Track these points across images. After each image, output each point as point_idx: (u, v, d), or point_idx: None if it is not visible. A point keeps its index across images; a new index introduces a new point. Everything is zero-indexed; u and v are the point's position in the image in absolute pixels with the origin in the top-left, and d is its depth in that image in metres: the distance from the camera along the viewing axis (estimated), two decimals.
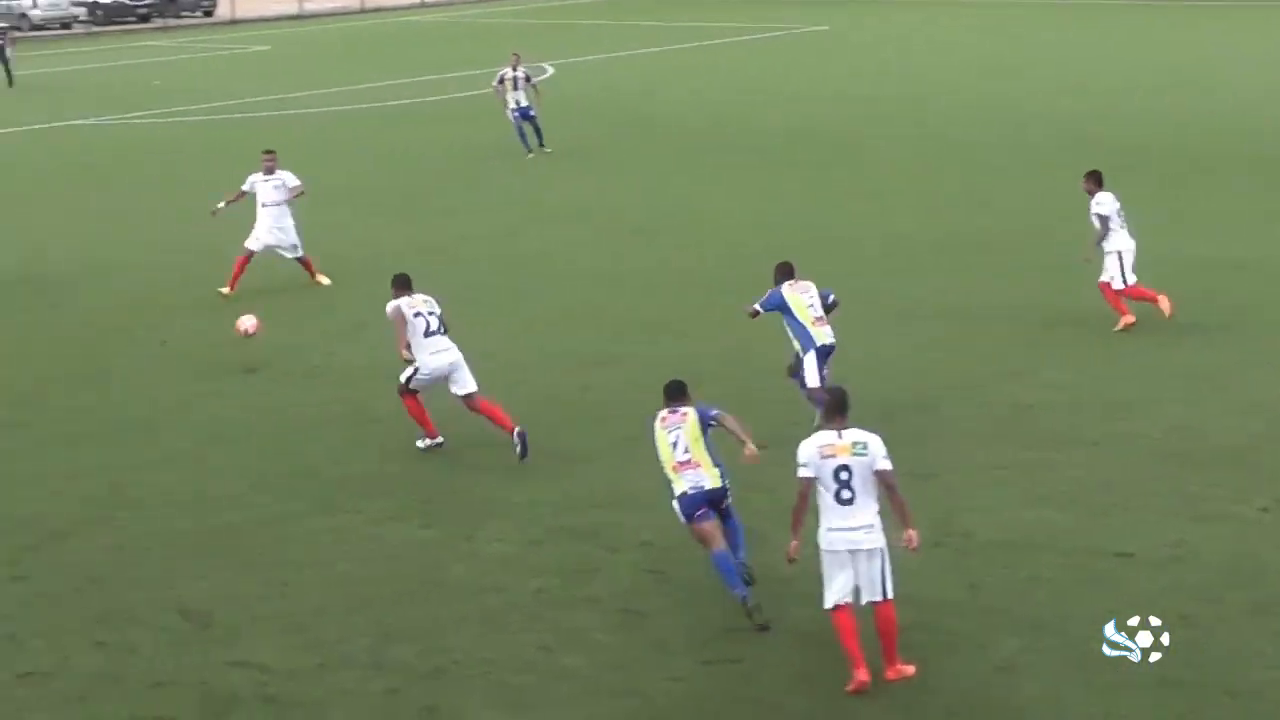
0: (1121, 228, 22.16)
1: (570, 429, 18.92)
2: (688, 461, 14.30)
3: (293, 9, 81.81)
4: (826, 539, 12.69)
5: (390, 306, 18.41)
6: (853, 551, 12.63)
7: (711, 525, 14.19)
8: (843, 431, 12.73)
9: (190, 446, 18.81)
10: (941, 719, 12.33)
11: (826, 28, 67.60)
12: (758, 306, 18.85)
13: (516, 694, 12.88)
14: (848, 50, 60.22)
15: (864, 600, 12.71)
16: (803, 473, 12.71)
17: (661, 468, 14.42)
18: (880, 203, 31.18)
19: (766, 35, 65.39)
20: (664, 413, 14.62)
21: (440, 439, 18.42)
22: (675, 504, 14.30)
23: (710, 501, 14.20)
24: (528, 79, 37.39)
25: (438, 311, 18.42)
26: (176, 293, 24.59)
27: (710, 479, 14.22)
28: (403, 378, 18.37)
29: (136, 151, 40.49)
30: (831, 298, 18.92)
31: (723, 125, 41.97)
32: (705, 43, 63.24)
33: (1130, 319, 21.99)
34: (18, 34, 70.71)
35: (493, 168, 36.36)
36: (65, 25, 75.41)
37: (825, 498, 12.67)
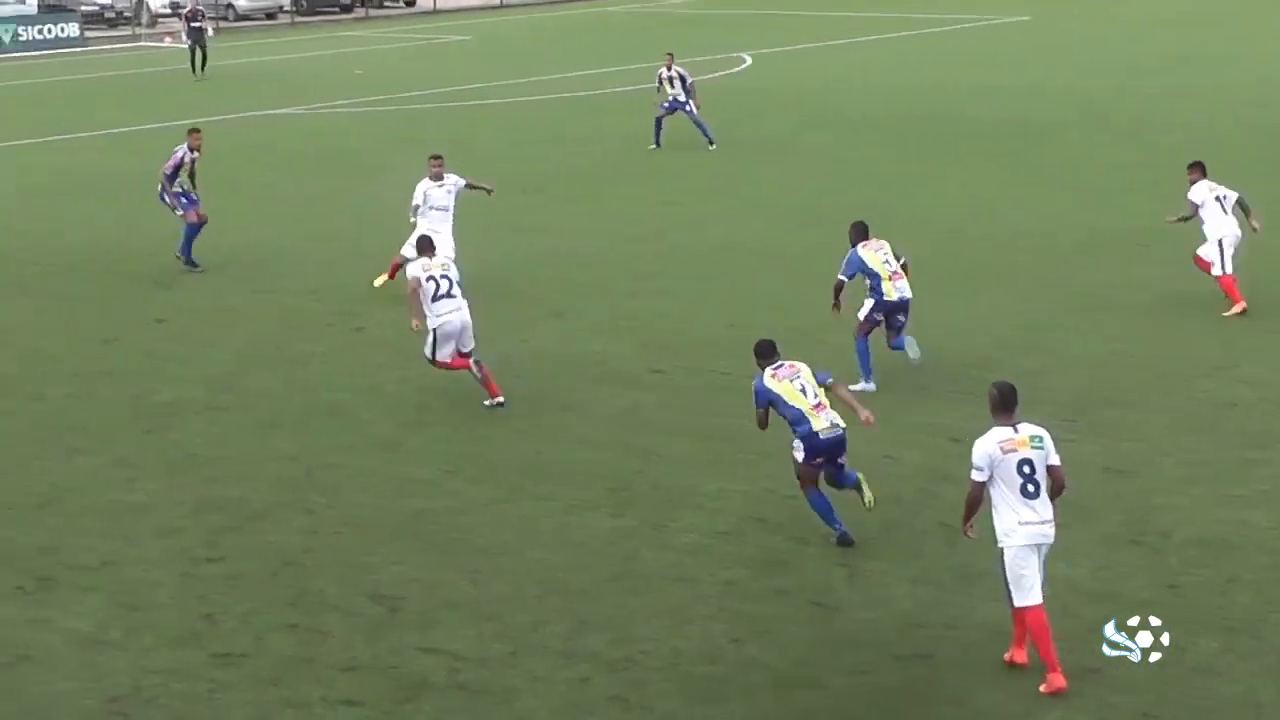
0: (1224, 215, 22.41)
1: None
2: (820, 404, 15.13)
3: None
4: (1019, 534, 12.47)
5: (410, 268, 19.86)
6: (1039, 545, 12.50)
7: (818, 472, 15.19)
8: (1018, 426, 12.59)
9: (384, 431, 18.98)
10: None
11: (1027, 18, 66.66)
12: (841, 276, 19.65)
13: (705, 685, 12.82)
14: (1049, 40, 59.27)
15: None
16: (976, 476, 12.54)
17: (785, 417, 15.12)
18: (1078, 195, 30.66)
19: (966, 26, 64.65)
20: (770, 370, 15.39)
21: (501, 398, 19.39)
22: (800, 443, 15.07)
23: (835, 447, 15.11)
24: (682, 79, 37.36)
25: (452, 276, 19.48)
26: (370, 280, 24.82)
27: (841, 423, 15.11)
28: (426, 351, 19.53)
29: (335, 140, 41.01)
30: (903, 259, 19.77)
31: (920, 116, 41.53)
32: (905, 34, 62.68)
33: (1241, 306, 22.24)
34: (224, 24, 72.11)
35: (684, 157, 36.31)
36: (270, 15, 76.76)
37: (1008, 494, 12.49)
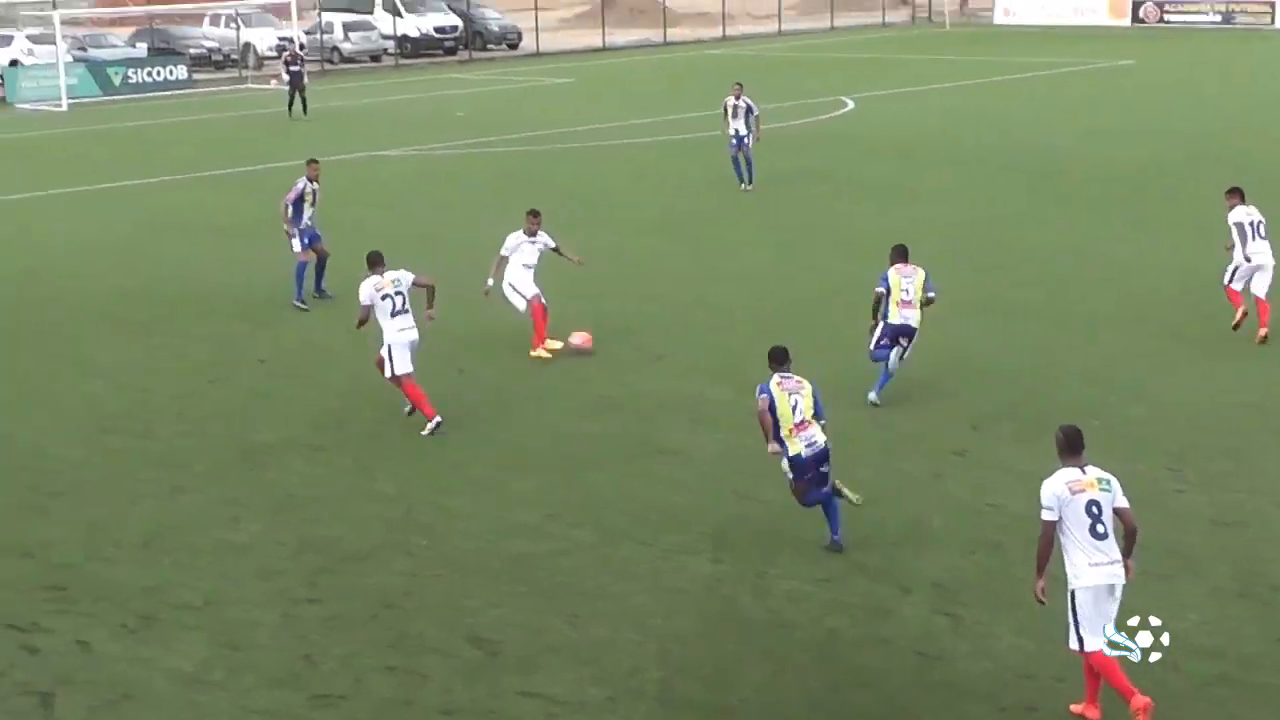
0: (1255, 239, 23.11)
1: (864, 465, 18.69)
2: (803, 423, 15.93)
3: (596, 42, 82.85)
4: (1089, 574, 12.46)
5: (362, 288, 20.34)
6: (1110, 587, 12.48)
7: (809, 486, 16.03)
8: (1085, 468, 12.64)
9: (484, 473, 18.99)
10: None
11: (1131, 62, 66.30)
12: (879, 289, 20.81)
13: None
14: (1156, 84, 58.93)
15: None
16: (1047, 516, 12.59)
17: (778, 428, 15.87)
18: (1186, 236, 30.28)
19: (1070, 70, 64.33)
20: (778, 377, 16.17)
21: (439, 419, 20.05)
22: (788, 465, 15.98)
23: (819, 461, 15.91)
24: (749, 110, 37.35)
25: (404, 291, 20.24)
26: (472, 322, 24.85)
27: (821, 437, 15.96)
28: (386, 373, 20.21)
29: (437, 181, 41.25)
30: (932, 294, 20.78)
31: (1026, 157, 41.30)
32: (1009, 77, 62.44)
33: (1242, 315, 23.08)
34: (329, 66, 72.79)
35: (788, 198, 36.27)
36: (374, 58, 77.36)
37: (1077, 535, 12.51)
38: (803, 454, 15.91)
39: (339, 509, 17.96)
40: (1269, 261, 23.24)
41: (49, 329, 26.44)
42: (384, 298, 20.19)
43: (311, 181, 27.27)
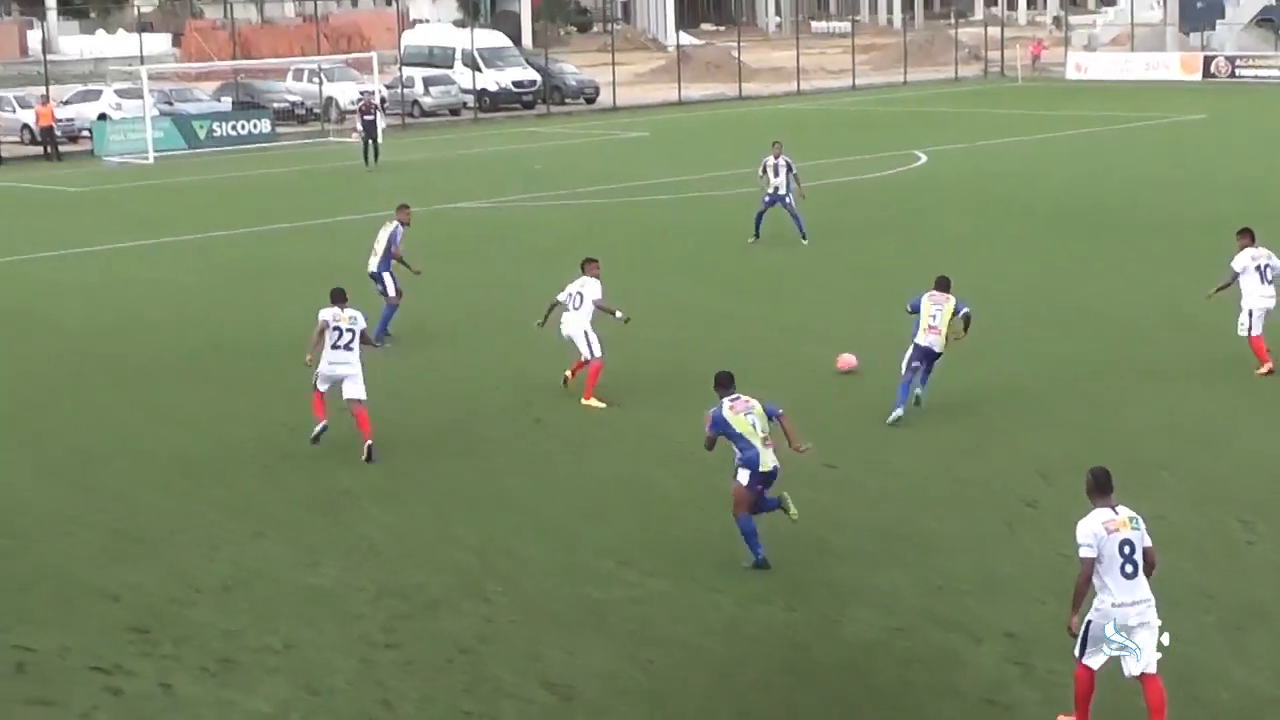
0: (1260, 284, 23.79)
1: (936, 514, 18.80)
2: (767, 440, 16.98)
3: (672, 96, 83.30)
4: (1114, 614, 12.85)
5: (321, 312, 21.73)
6: (1136, 626, 12.84)
7: (756, 497, 17.08)
8: (1117, 508, 13.02)
9: (559, 519, 19.20)
10: None
11: (1203, 116, 66.22)
12: (910, 305, 22.47)
13: None
14: (1227, 138, 58.87)
15: (1136, 671, 12.89)
16: (1085, 553, 12.94)
17: (735, 445, 16.94)
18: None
19: (1143, 124, 64.30)
20: (728, 401, 17.18)
21: (324, 423, 21.62)
22: (745, 471, 16.91)
23: (772, 479, 17.01)
24: (789, 168, 37.51)
25: (356, 329, 21.58)
26: (548, 371, 25.06)
27: (775, 460, 16.99)
28: (311, 380, 21.83)
29: (514, 232, 41.51)
30: (965, 310, 22.30)
31: (1098, 210, 41.32)
32: (1080, 130, 62.50)
33: (1269, 366, 23.80)
34: (410, 119, 73.49)
35: (857, 250, 36.41)
36: (454, 111, 78.06)
37: (1108, 574, 12.86)
38: (768, 468, 16.96)
39: (416, 555, 18.20)
40: (1272, 303, 24.02)
41: (135, 378, 26.87)
42: (334, 329, 21.54)
43: (404, 225, 28.36)
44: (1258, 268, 23.81)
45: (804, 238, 37.31)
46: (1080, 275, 32.98)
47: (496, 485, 20.52)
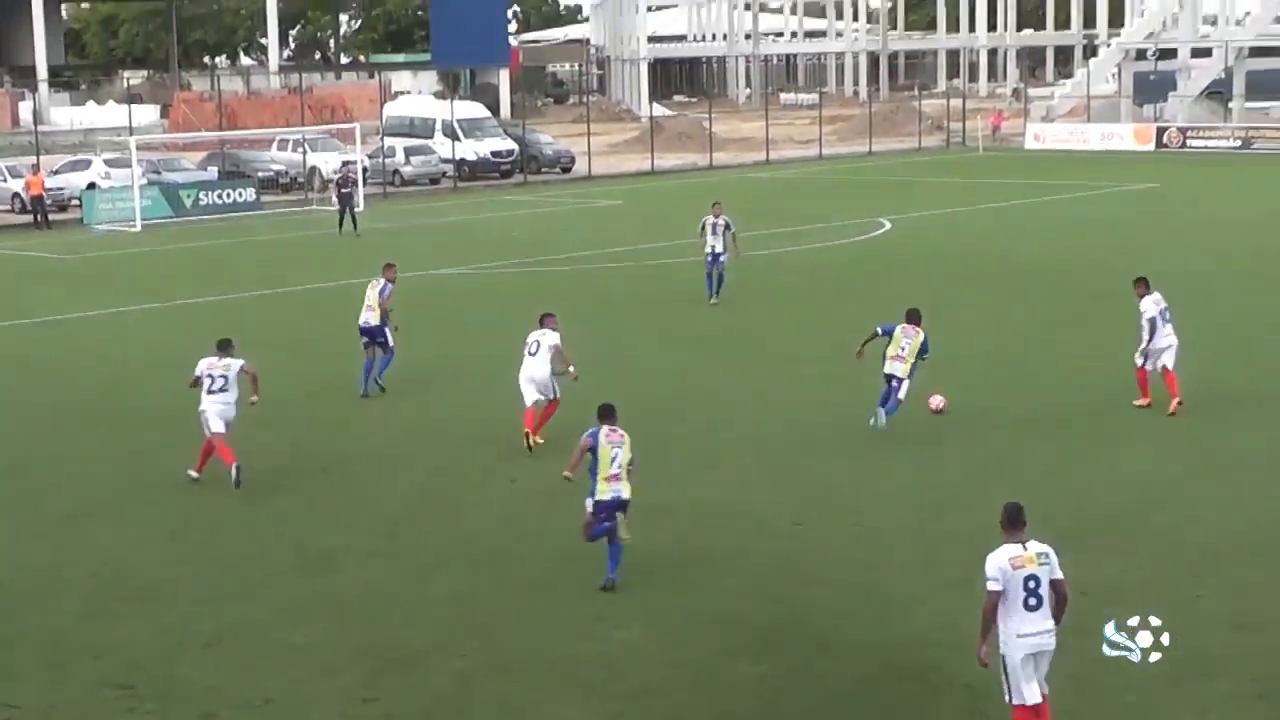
0: (1163, 324, 25.68)
1: (900, 569, 19.29)
2: (616, 475, 18.40)
3: (645, 165, 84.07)
4: (1016, 644, 13.45)
5: (200, 363, 24.01)
6: (1036, 654, 13.47)
7: (600, 524, 18.51)
8: (1026, 544, 13.57)
9: (536, 577, 19.60)
10: None
11: (1157, 185, 67.51)
12: (879, 328, 24.84)
13: None
14: (1180, 203, 60.27)
15: (1038, 699, 13.51)
16: (992, 586, 13.49)
17: (591, 467, 18.43)
18: (1218, 350, 30.88)
19: (1098, 192, 65.65)
20: (607, 429, 18.60)
21: (197, 476, 23.76)
22: (590, 502, 18.51)
23: (616, 507, 18.42)
24: (728, 227, 38.33)
25: (229, 375, 23.66)
26: (519, 433, 25.47)
27: (626, 490, 18.49)
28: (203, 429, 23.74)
29: (492, 297, 41.98)
30: (926, 355, 24.62)
31: (1057, 273, 42.01)
32: (1040, 199, 63.76)
33: (1145, 400, 26.03)
34: (390, 189, 74.05)
35: (822, 312, 36.93)
36: (434, 180, 78.68)
37: (1010, 607, 13.45)
38: (606, 498, 18.38)
39: (397, 612, 18.58)
40: (1174, 341, 25.74)
41: (124, 441, 27.25)
42: (208, 376, 23.70)
43: (390, 282, 29.78)
44: (1160, 312, 25.62)
45: (712, 297, 38.32)
46: (1038, 336, 33.83)
47: (474, 544, 20.90)
